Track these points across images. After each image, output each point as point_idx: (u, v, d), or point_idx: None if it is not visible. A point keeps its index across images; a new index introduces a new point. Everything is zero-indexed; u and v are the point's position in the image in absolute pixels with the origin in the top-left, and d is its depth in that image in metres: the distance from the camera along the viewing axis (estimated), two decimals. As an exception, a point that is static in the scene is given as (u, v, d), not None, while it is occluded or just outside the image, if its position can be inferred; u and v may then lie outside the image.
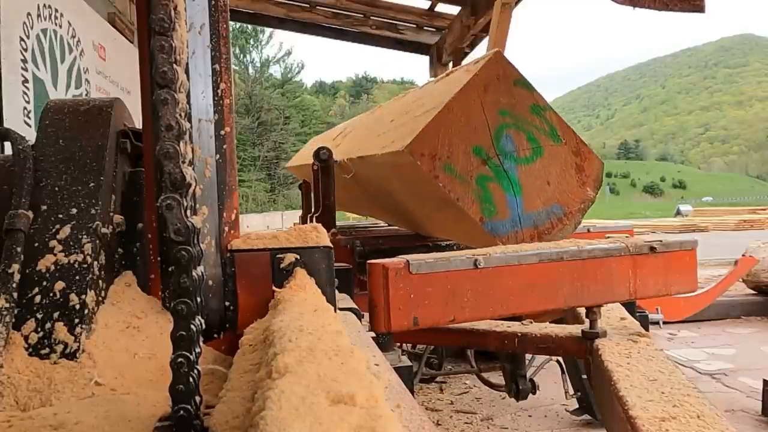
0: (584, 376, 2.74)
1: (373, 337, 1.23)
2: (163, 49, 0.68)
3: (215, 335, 1.12)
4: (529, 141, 1.74)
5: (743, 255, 5.50)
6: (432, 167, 1.67)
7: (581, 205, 1.76)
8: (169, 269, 0.68)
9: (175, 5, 0.72)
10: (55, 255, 1.04)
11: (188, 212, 0.69)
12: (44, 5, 4.43)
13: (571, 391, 2.89)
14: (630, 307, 2.00)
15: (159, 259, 1.18)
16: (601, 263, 1.51)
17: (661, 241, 1.60)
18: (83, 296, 1.01)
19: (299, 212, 4.53)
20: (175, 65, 0.69)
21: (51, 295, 1.00)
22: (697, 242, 1.67)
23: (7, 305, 0.96)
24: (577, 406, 2.98)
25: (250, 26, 46.91)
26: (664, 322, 5.05)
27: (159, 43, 0.68)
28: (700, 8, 1.91)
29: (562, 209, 1.75)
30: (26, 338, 0.97)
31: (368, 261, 1.40)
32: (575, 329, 1.63)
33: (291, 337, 0.71)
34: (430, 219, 2.15)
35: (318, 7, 7.56)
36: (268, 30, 53.51)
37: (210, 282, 1.08)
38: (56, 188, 1.12)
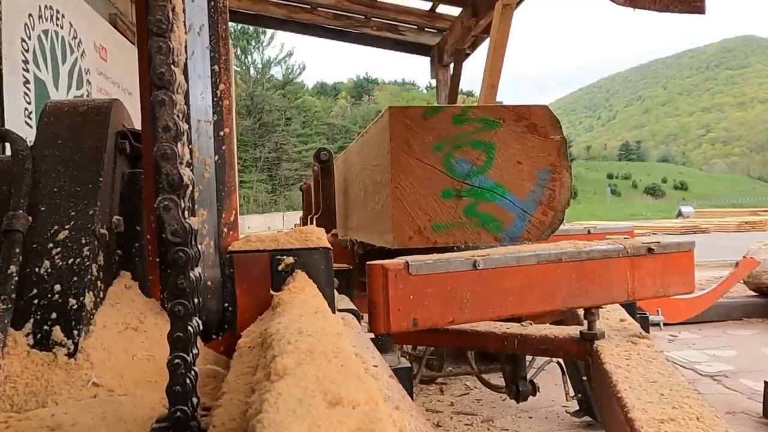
0: (584, 378, 2.74)
1: (372, 339, 1.23)
2: (160, 50, 0.68)
3: (214, 336, 1.12)
4: (475, 147, 1.70)
5: (744, 257, 5.49)
6: (426, 238, 1.67)
7: (559, 152, 1.73)
8: (167, 270, 0.68)
9: (173, 6, 0.72)
10: (53, 256, 1.04)
11: (186, 213, 0.69)
12: (45, 6, 4.44)
13: (572, 393, 2.89)
14: (630, 308, 2.00)
15: (158, 260, 1.18)
16: (599, 264, 1.51)
17: (658, 242, 1.60)
18: (81, 297, 1.01)
19: (300, 213, 4.53)
20: (172, 66, 0.69)
21: (49, 296, 1.00)
22: (694, 243, 1.67)
23: (5, 306, 0.96)
24: (578, 407, 2.97)
25: (251, 27, 47.00)
26: (665, 324, 5.04)
27: (156, 45, 0.68)
28: (700, 9, 1.91)
29: (547, 170, 1.72)
30: (24, 339, 0.97)
31: (367, 262, 1.40)
32: (574, 330, 1.63)
33: (290, 339, 0.71)
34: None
35: (319, 9, 7.57)
36: (269, 31, 53.72)
37: (209, 283, 1.08)
38: (55, 189, 1.11)
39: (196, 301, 0.69)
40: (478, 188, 1.69)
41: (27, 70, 4.13)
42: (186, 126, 0.74)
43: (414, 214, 1.67)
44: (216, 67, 1.14)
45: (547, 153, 1.71)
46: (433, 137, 1.68)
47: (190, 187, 0.72)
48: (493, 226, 1.69)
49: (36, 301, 1.00)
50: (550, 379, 3.32)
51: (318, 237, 1.17)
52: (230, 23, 1.26)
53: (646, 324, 2.54)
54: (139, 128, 1.26)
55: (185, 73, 0.91)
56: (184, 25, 0.89)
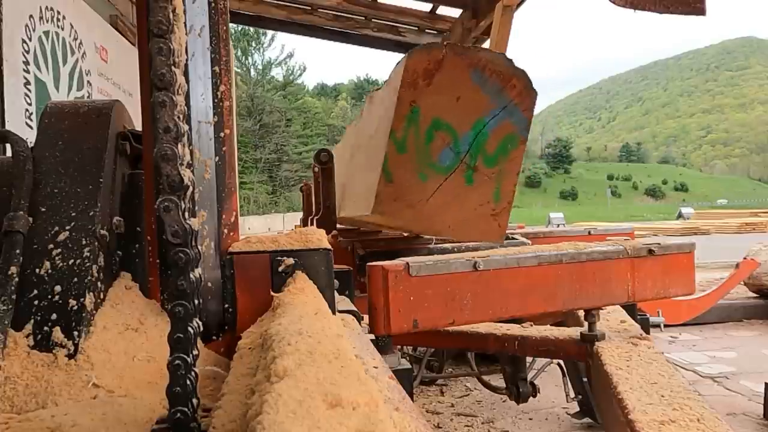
0: (585, 379, 2.74)
1: (372, 340, 1.23)
2: (161, 51, 0.68)
3: (214, 337, 1.12)
4: (429, 142, 1.77)
5: (745, 258, 5.49)
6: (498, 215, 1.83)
7: (455, 53, 1.72)
8: (168, 271, 0.68)
9: (173, 8, 0.72)
10: (53, 257, 1.03)
11: (186, 214, 0.69)
12: (46, 7, 4.44)
13: (572, 394, 2.88)
14: (631, 309, 2.00)
15: (158, 261, 1.18)
16: (599, 266, 1.51)
17: (659, 243, 1.60)
18: (82, 299, 1.01)
19: (300, 214, 4.53)
20: (173, 67, 0.69)
21: (49, 297, 1.00)
22: (694, 245, 1.67)
23: (5, 307, 0.96)
24: (578, 409, 2.97)
25: (252, 29, 47.07)
26: (666, 325, 5.04)
27: (157, 46, 0.68)
28: (700, 11, 1.91)
29: (495, 81, 1.74)
30: (24, 340, 0.97)
31: (368, 263, 1.40)
32: (574, 332, 1.63)
33: (290, 340, 0.70)
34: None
35: (319, 10, 7.57)
36: (270, 32, 53.75)
37: (209, 284, 1.08)
38: (55, 190, 1.11)
39: (196, 302, 0.69)
40: (470, 147, 1.77)
41: (28, 71, 4.13)
42: (186, 127, 0.74)
43: (443, 220, 1.75)
44: (216, 69, 1.14)
45: (454, 67, 1.71)
46: (409, 174, 1.75)
47: (191, 188, 0.72)
48: (511, 144, 1.77)
49: (36, 302, 1.00)
50: (550, 381, 3.32)
51: (318, 238, 1.17)
52: (231, 24, 1.26)
53: (646, 325, 2.53)
54: (140, 129, 1.26)
55: (186, 74, 0.91)
56: (185, 26, 0.89)
